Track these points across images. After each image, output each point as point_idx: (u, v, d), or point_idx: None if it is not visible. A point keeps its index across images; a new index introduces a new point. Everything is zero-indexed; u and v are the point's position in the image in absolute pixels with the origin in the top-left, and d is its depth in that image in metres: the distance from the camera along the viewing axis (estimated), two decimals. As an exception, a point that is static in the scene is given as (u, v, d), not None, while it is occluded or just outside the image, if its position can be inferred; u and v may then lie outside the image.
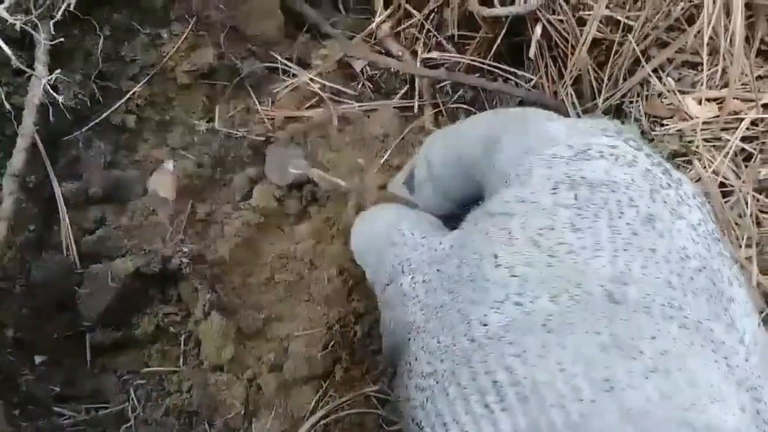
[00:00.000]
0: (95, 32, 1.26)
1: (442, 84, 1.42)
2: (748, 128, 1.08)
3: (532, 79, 1.32)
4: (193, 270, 1.24)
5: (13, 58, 1.12)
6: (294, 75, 1.39)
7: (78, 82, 1.23)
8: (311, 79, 1.38)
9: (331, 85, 1.41)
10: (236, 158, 1.36)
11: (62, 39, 1.17)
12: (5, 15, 1.13)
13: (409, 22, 1.41)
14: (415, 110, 1.43)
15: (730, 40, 1.05)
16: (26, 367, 1.16)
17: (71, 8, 1.16)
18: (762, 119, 1.08)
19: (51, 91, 1.13)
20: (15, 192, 1.02)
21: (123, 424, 1.16)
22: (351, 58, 1.40)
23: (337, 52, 1.39)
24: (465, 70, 1.38)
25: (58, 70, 1.15)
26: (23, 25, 1.13)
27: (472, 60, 1.36)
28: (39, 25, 1.16)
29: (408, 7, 1.40)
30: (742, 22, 1.03)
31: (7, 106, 1.15)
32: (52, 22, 1.15)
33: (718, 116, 1.07)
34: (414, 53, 1.41)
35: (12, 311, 1.14)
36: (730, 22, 1.03)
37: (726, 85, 1.08)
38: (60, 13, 1.15)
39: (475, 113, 1.43)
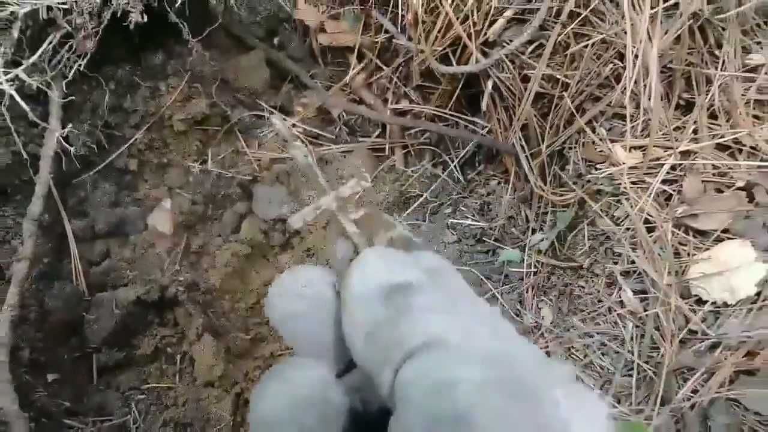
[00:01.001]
0: (102, 87, 1.41)
1: (411, 128, 1.57)
2: (668, 172, 1.24)
3: (486, 126, 1.47)
4: (187, 297, 1.40)
5: (30, 112, 1.27)
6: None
7: (86, 132, 1.39)
8: (294, 125, 1.53)
9: (311, 129, 1.56)
10: (226, 196, 1.51)
11: (72, 97, 1.33)
12: (23, 76, 1.28)
13: (380, 75, 1.57)
14: (387, 151, 1.58)
15: (650, 96, 1.21)
16: (40, 385, 1.30)
17: (81, 68, 1.31)
18: (680, 165, 1.23)
19: (63, 143, 1.28)
20: (34, 234, 1.16)
21: (125, 434, 1.30)
22: (329, 106, 1.55)
23: (316, 101, 1.54)
24: (429, 118, 1.53)
25: (70, 125, 1.30)
26: (39, 85, 1.29)
27: (435, 109, 1.51)
28: (52, 84, 1.31)
29: (378, 61, 1.55)
30: (658, 81, 1.18)
31: (24, 154, 1.30)
32: (64, 81, 1.31)
33: (642, 162, 1.23)
34: (385, 101, 1.57)
35: (28, 335, 1.29)
36: (649, 81, 1.19)
37: (649, 135, 1.23)
38: (72, 73, 1.31)
39: (440, 153, 1.59)
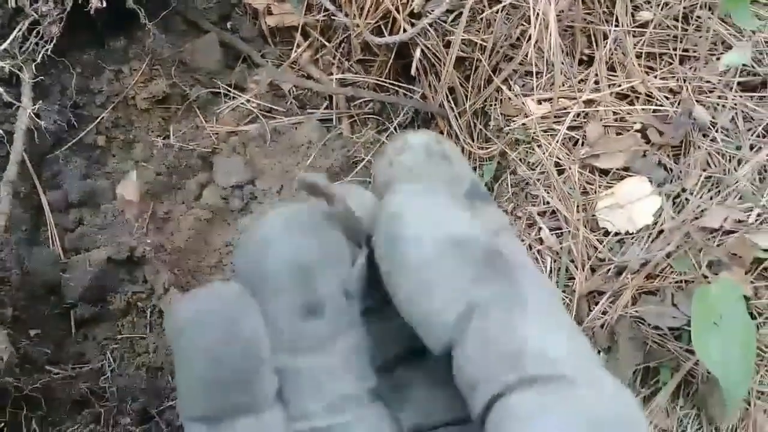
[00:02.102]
0: (69, 71, 1.56)
1: (355, 99, 1.72)
2: (573, 120, 1.39)
3: (420, 92, 1.63)
4: (154, 256, 1.54)
5: (4, 93, 1.42)
6: (234, 97, 1.70)
7: (56, 111, 1.53)
8: (248, 100, 1.69)
9: (264, 104, 1.71)
10: (188, 167, 1.65)
11: (43, 77, 1.48)
12: (-4, 60, 1.43)
13: (324, 51, 1.72)
14: (334, 121, 1.74)
15: (553, 53, 1.36)
16: (23, 338, 1.44)
17: (49, 52, 1.46)
18: (584, 112, 1.38)
19: (35, 119, 1.43)
20: (10, 194, 1.31)
21: (101, 377, 1.44)
22: (279, 82, 1.70)
23: (267, 78, 1.69)
24: (371, 88, 1.69)
25: (41, 102, 1.45)
26: (11, 68, 1.43)
27: (375, 80, 1.67)
28: (23, 67, 1.46)
29: (321, 39, 1.70)
30: (557, 38, 1.34)
31: (1, 132, 1.45)
32: (34, 65, 1.46)
33: (550, 112, 1.38)
34: (330, 75, 1.72)
35: (10, 295, 1.43)
36: (549, 39, 1.34)
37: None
38: (40, 57, 1.46)
39: (383, 121, 1.74)
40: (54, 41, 1.46)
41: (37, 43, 1.47)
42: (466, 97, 1.50)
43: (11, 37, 1.44)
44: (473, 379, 0.27)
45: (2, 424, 1.26)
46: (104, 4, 1.44)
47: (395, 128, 1.70)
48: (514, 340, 0.27)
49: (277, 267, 0.30)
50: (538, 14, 1.32)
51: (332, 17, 1.65)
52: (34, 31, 1.46)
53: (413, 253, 0.28)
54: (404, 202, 0.29)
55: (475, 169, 1.57)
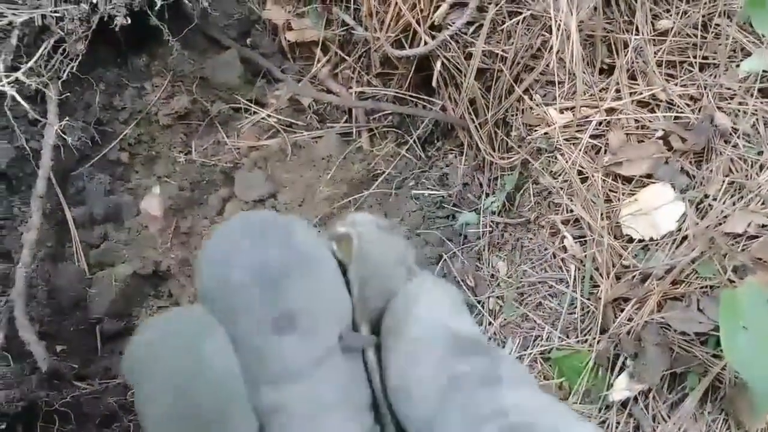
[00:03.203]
0: (93, 88, 1.58)
1: (374, 112, 1.74)
2: (595, 128, 1.40)
3: (440, 104, 1.64)
4: (179, 271, 1.55)
5: (30, 111, 1.43)
6: (254, 112, 1.71)
7: (81, 128, 1.55)
8: (268, 115, 1.70)
9: (284, 118, 1.72)
10: (210, 182, 1.67)
11: (68, 94, 1.50)
12: (22, 78, 1.45)
13: (344, 65, 1.74)
14: (354, 135, 1.75)
15: (575, 62, 1.38)
16: (50, 353, 1.45)
17: (74, 70, 1.47)
18: (606, 120, 1.40)
19: (62, 135, 1.44)
20: (40, 209, 1.32)
21: (129, 391, 1.44)
22: (299, 96, 1.72)
23: (287, 93, 1.70)
24: (390, 101, 1.70)
25: (67, 119, 1.46)
26: (37, 85, 1.45)
27: (395, 92, 1.68)
28: (49, 85, 1.48)
29: (341, 53, 1.72)
30: (579, 48, 1.36)
31: (27, 149, 1.46)
32: (60, 82, 1.47)
33: (572, 120, 1.39)
34: (349, 89, 1.73)
35: (37, 311, 1.44)
36: (571, 48, 1.36)
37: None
38: (65, 74, 1.47)
39: (402, 134, 1.75)
40: (79, 59, 1.47)
41: (62, 61, 1.48)
42: (487, 107, 1.51)
43: (37, 55, 1.46)
44: None
45: (34, 439, 1.27)
46: (129, 21, 1.45)
47: (415, 141, 1.71)
48: (492, 402, 0.27)
49: (243, 279, 0.28)
50: (559, 25, 1.34)
51: (351, 32, 1.67)
52: (60, 49, 1.47)
53: (415, 328, 0.30)
54: (425, 288, 0.32)
55: (496, 179, 1.58)
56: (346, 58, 1.73)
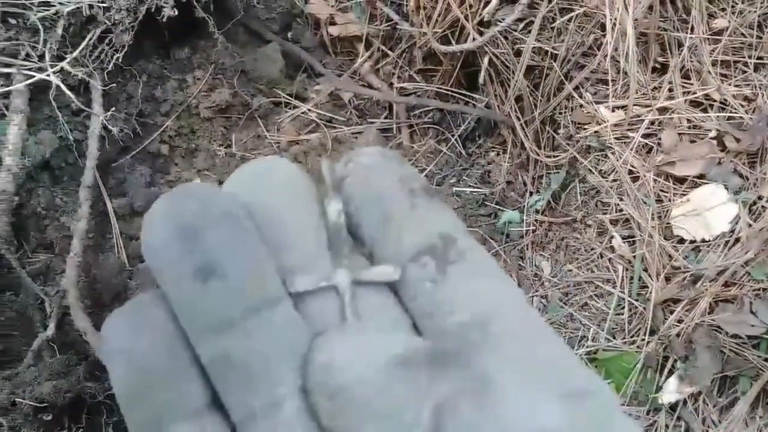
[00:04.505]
0: (135, 79, 1.57)
1: (415, 109, 1.73)
2: (647, 127, 1.39)
3: (485, 100, 1.63)
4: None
5: (75, 100, 1.42)
6: (295, 107, 1.70)
7: (123, 119, 1.54)
8: (309, 110, 1.69)
9: (324, 113, 1.71)
10: (250, 176, 1.66)
11: (116, 85, 1.49)
12: (68, 67, 1.44)
13: (386, 61, 1.73)
14: (394, 131, 1.74)
15: (629, 60, 1.36)
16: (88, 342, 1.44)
17: (119, 60, 1.46)
18: (658, 120, 1.38)
19: (107, 125, 1.43)
20: (89, 199, 1.31)
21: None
22: (340, 91, 1.71)
23: (328, 87, 1.69)
24: (432, 97, 1.69)
25: (113, 109, 1.45)
26: (83, 76, 1.44)
27: (437, 88, 1.67)
28: (94, 75, 1.47)
29: (384, 48, 1.71)
30: (635, 47, 1.34)
31: (71, 139, 1.45)
32: (105, 72, 1.46)
33: (624, 119, 1.38)
34: (390, 85, 1.72)
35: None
36: (626, 47, 1.35)
37: (629, 95, 1.39)
38: (111, 65, 1.46)
39: (442, 131, 1.74)
40: (125, 50, 1.46)
41: (107, 52, 1.47)
42: (535, 105, 1.50)
43: (82, 45, 1.45)
44: None
45: (81, 430, 1.26)
46: (176, 13, 1.44)
47: (456, 138, 1.70)
48: (497, 422, 0.25)
49: (163, 237, 0.27)
50: (614, 24, 1.32)
51: (396, 27, 1.66)
52: (106, 40, 1.46)
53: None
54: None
55: (541, 177, 1.57)
56: (389, 53, 1.71)
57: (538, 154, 1.54)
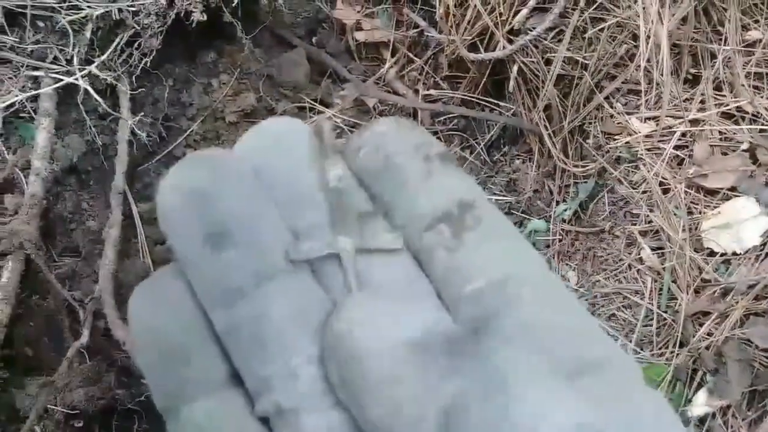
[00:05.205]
0: (162, 83, 1.57)
1: (439, 115, 1.72)
2: (679, 139, 1.39)
3: (512, 109, 1.62)
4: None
5: (103, 104, 1.42)
6: (319, 112, 1.70)
7: (149, 124, 1.53)
8: (333, 115, 1.68)
9: (349, 119, 1.71)
10: (275, 181, 1.65)
11: (143, 90, 1.48)
12: (96, 71, 1.43)
13: (411, 67, 1.72)
14: (419, 138, 1.73)
15: (662, 72, 1.36)
16: (116, 350, 1.43)
17: (148, 65, 1.46)
18: (690, 132, 1.38)
19: (135, 130, 1.43)
20: (120, 204, 1.31)
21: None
22: (365, 97, 1.70)
23: (353, 93, 1.69)
24: (457, 104, 1.69)
25: (142, 113, 1.45)
26: (112, 80, 1.44)
27: (463, 95, 1.67)
28: (121, 79, 1.46)
29: (410, 54, 1.71)
30: (669, 58, 1.34)
31: (99, 142, 1.45)
32: (134, 77, 1.46)
33: (656, 130, 1.38)
34: (416, 91, 1.72)
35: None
36: (660, 58, 1.34)
37: (661, 107, 1.38)
38: (139, 69, 1.46)
39: (467, 138, 1.74)
40: (153, 54, 1.46)
41: (134, 56, 1.47)
42: (564, 114, 1.49)
43: (111, 49, 1.44)
44: None
45: (111, 437, 1.26)
46: (206, 18, 1.44)
47: (482, 146, 1.70)
48: (507, 423, 0.23)
49: (174, 204, 0.27)
50: (649, 36, 1.32)
51: (423, 34, 1.66)
52: (135, 44, 1.46)
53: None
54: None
55: (568, 187, 1.56)
56: (415, 59, 1.71)
57: (566, 164, 1.53)
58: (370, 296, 0.27)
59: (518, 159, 1.69)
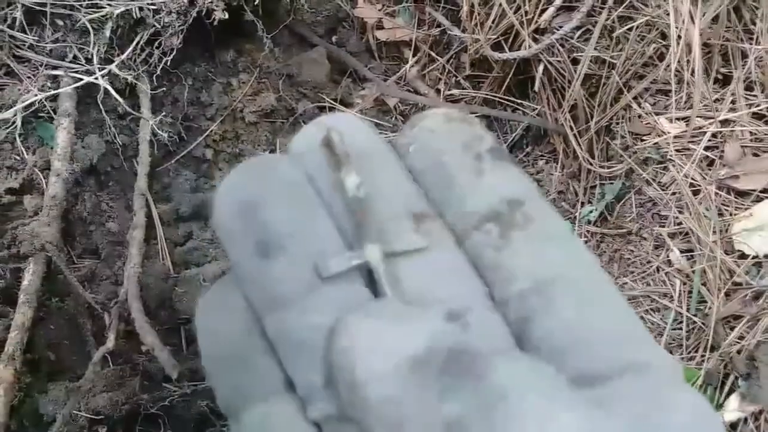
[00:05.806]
0: (181, 82, 1.55)
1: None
2: (709, 140, 1.37)
3: (536, 109, 1.60)
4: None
5: (122, 104, 1.40)
6: (339, 112, 1.68)
7: (168, 123, 1.52)
8: (354, 115, 1.66)
9: (369, 119, 1.69)
10: (295, 181, 1.63)
11: (162, 89, 1.46)
12: (116, 71, 1.41)
13: (433, 66, 1.70)
14: (440, 137, 1.72)
15: (692, 71, 1.34)
16: (137, 354, 1.42)
17: (168, 64, 1.44)
18: (720, 132, 1.36)
19: (157, 130, 1.41)
20: (143, 207, 1.29)
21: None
22: (386, 97, 1.68)
23: (374, 92, 1.67)
24: (479, 104, 1.67)
25: (162, 113, 1.43)
26: (132, 79, 1.42)
27: (485, 95, 1.65)
28: (141, 78, 1.45)
29: (432, 53, 1.69)
30: (700, 57, 1.32)
31: (118, 143, 1.43)
32: (154, 76, 1.44)
33: (686, 131, 1.35)
34: (438, 91, 1.70)
35: (122, 309, 1.40)
36: (692, 58, 1.32)
37: (691, 107, 1.36)
38: (159, 68, 1.44)
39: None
40: (173, 53, 1.44)
41: (155, 55, 1.45)
42: (591, 114, 1.47)
43: (131, 48, 1.43)
44: None
45: (134, 442, 1.24)
46: (227, 16, 1.42)
47: (505, 147, 1.68)
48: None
49: (226, 213, 0.27)
50: (679, 36, 1.30)
51: (445, 33, 1.64)
52: (155, 43, 1.44)
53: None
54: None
55: (594, 188, 1.54)
56: (438, 58, 1.69)
57: (592, 164, 1.51)
58: (371, 312, 0.27)
59: (542, 159, 1.67)
